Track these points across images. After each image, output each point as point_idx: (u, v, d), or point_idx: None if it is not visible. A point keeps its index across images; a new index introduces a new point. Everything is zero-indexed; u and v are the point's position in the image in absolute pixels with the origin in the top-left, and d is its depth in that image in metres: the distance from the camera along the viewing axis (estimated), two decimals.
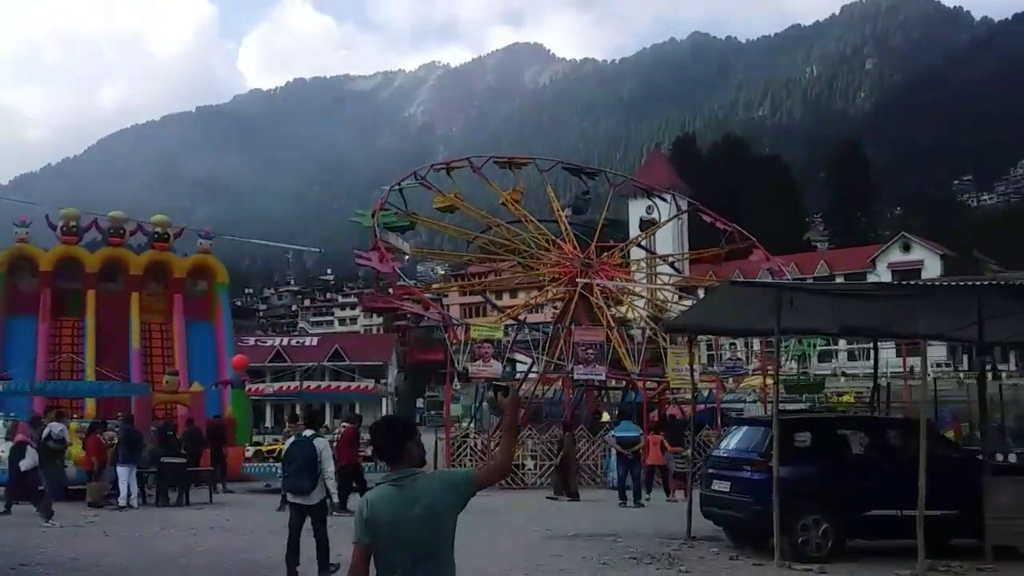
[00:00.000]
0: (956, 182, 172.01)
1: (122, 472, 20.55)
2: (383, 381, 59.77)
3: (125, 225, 34.07)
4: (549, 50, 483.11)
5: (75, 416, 26.64)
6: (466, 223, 40.01)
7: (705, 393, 30.67)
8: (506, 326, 28.21)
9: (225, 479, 24.70)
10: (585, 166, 41.52)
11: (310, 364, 66.52)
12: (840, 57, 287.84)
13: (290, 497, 12.03)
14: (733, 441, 14.49)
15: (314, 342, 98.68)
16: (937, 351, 57.98)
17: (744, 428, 14.76)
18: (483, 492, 4.71)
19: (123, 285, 33.17)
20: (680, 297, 38.25)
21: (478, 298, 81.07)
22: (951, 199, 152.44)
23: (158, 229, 34.15)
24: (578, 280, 31.17)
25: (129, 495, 20.45)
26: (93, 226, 33.62)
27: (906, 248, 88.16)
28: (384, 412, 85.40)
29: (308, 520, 11.64)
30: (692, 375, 16.34)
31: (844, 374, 67.96)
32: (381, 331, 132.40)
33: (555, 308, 38.92)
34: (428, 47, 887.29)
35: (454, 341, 26.57)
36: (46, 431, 19.35)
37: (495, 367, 26.04)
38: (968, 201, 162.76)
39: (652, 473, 23.19)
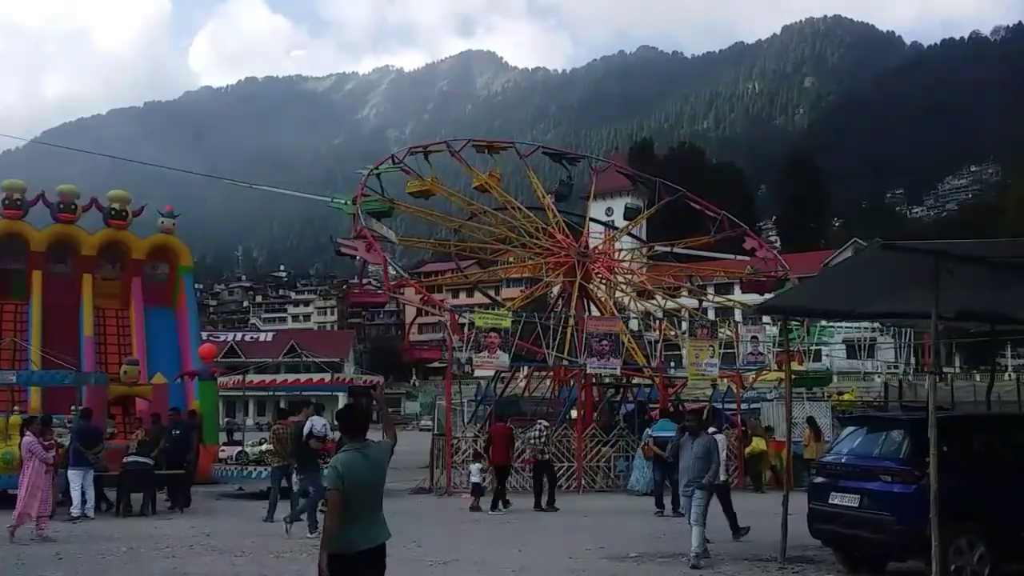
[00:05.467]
0: (888, 195, 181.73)
1: (74, 476, 17.34)
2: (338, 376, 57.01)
3: (77, 200, 30.14)
4: (502, 58, 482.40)
5: (16, 409, 23.39)
6: (445, 210, 37.65)
7: (723, 389, 28.46)
8: (513, 317, 25.26)
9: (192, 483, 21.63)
10: (567, 151, 40.05)
11: (266, 360, 63.61)
12: (780, 75, 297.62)
13: None
14: (849, 445, 11.79)
15: (269, 337, 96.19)
16: (886, 352, 55.53)
17: (862, 429, 12.00)
18: None
19: (73, 266, 29.64)
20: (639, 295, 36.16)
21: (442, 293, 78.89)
22: (890, 210, 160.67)
23: (115, 206, 30.33)
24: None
25: (84, 503, 17.36)
26: (40, 200, 29.85)
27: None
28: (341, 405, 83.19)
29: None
30: (787, 366, 13.63)
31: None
32: (335, 327, 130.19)
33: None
34: (382, 51, 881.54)
35: (455, 336, 23.67)
36: (307, 427, 15.99)
37: (502, 358, 23.26)
38: (902, 212, 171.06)
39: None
